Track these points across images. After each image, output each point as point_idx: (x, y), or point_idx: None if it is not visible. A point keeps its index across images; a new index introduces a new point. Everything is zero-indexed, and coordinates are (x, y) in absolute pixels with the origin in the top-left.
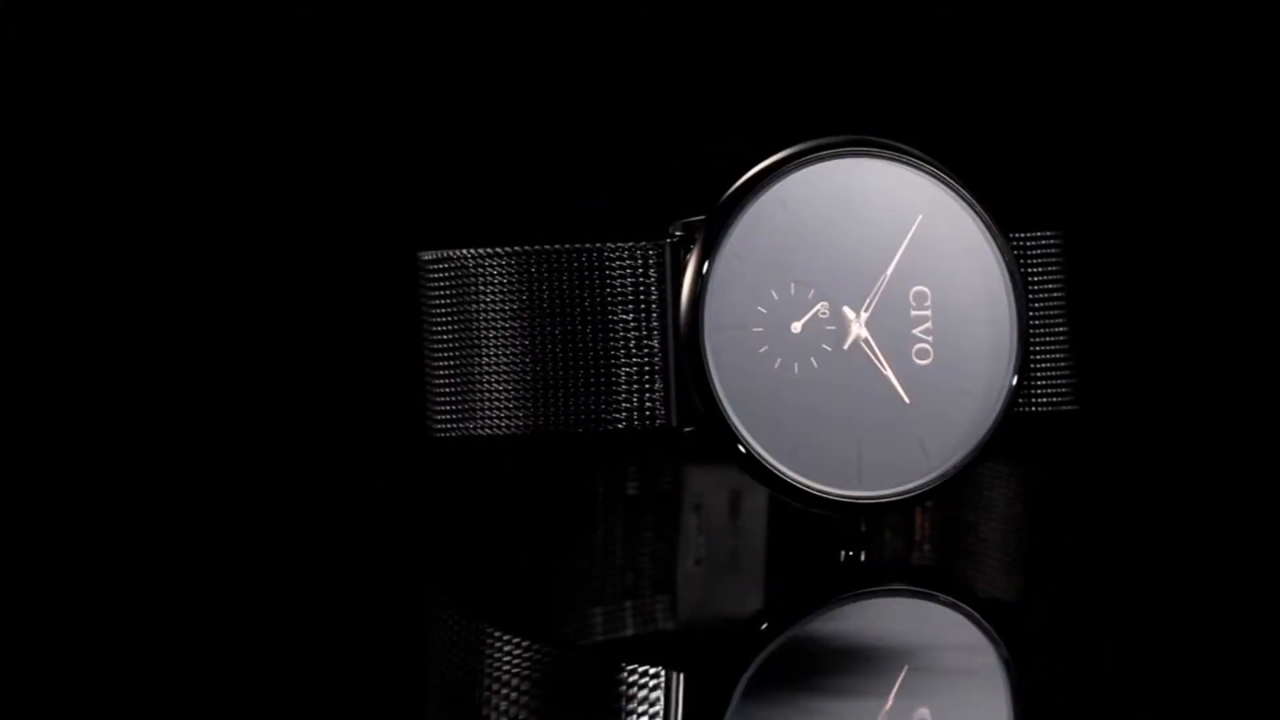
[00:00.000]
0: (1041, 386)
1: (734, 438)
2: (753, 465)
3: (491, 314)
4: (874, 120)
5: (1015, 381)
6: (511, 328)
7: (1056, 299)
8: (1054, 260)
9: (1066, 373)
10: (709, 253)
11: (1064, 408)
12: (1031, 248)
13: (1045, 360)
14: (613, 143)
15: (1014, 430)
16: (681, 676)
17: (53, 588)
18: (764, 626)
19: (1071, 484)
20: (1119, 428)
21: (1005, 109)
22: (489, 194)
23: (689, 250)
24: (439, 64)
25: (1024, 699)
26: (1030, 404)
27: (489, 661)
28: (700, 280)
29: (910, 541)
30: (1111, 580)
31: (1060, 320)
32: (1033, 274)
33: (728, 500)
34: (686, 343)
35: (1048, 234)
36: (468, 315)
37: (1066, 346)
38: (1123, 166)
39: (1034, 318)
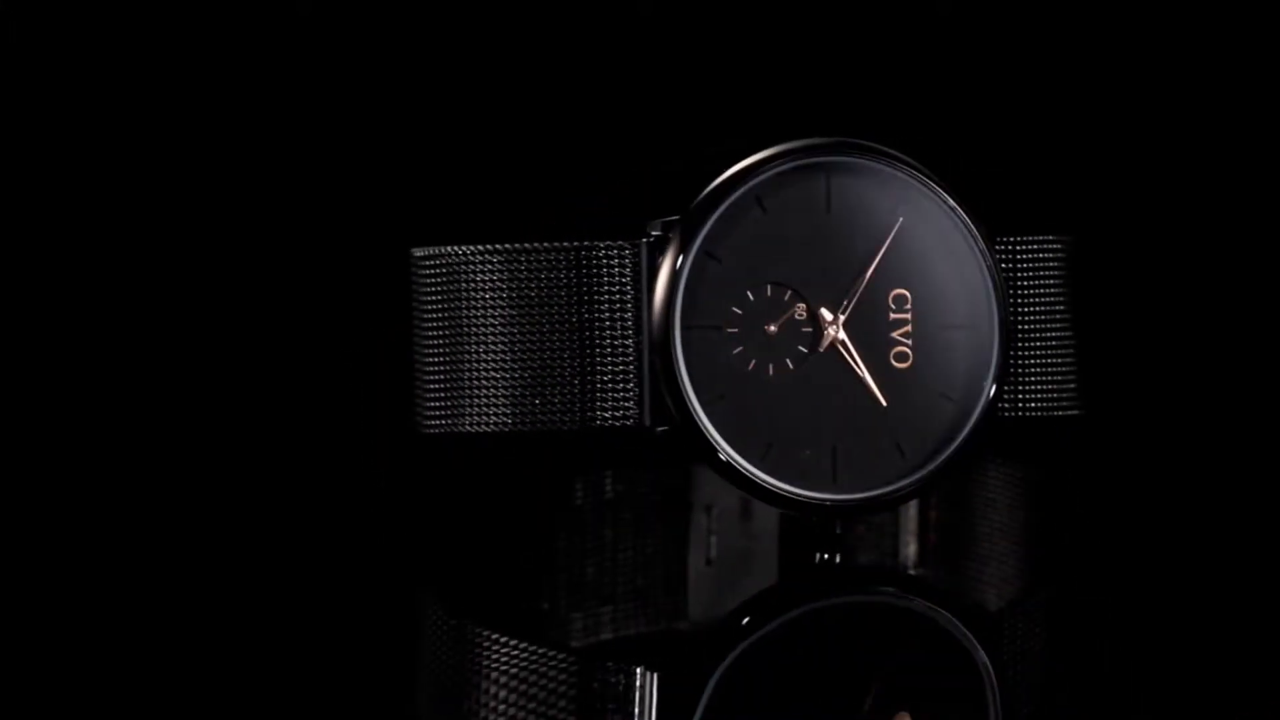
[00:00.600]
0: (1033, 391)
1: (705, 438)
2: (723, 466)
3: (479, 311)
4: (874, 121)
5: (995, 386)
6: (498, 325)
7: (1050, 303)
8: (1050, 264)
9: (1061, 378)
10: (682, 252)
11: (1057, 413)
12: (1022, 252)
13: (1037, 365)
14: (613, 143)
15: (1004, 434)
16: (655, 676)
17: (50, 586)
18: (745, 621)
19: (1071, 487)
20: (1122, 431)
21: (1008, 113)
22: (490, 193)
23: (664, 249)
24: (442, 64)
25: (1005, 703)
26: (1020, 409)
27: (474, 660)
28: (673, 279)
29: (925, 545)
30: (1101, 584)
31: (1055, 325)
32: (1023, 278)
33: (739, 501)
34: (658, 342)
35: (1042, 238)
36: (457, 312)
37: (1062, 351)
38: (1128, 171)
39: (1025, 322)
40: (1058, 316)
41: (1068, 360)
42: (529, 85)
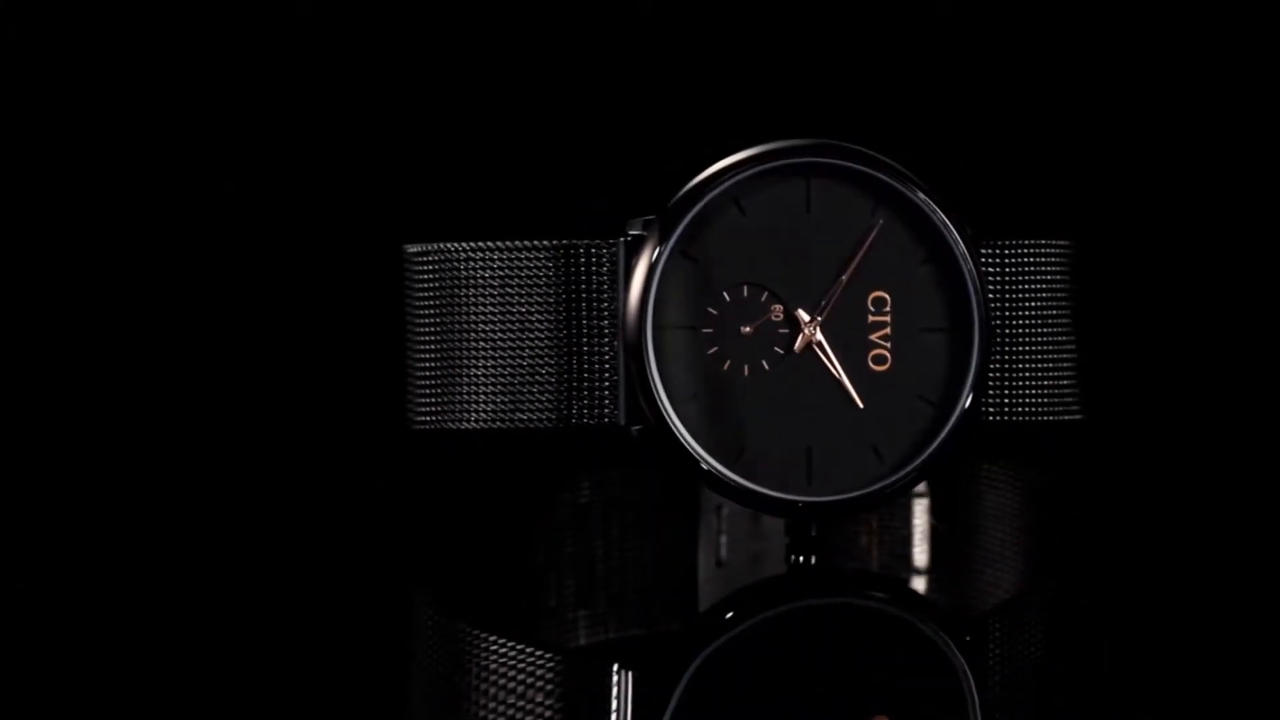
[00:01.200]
0: (1023, 395)
1: (676, 439)
2: (695, 467)
3: (467, 308)
4: (873, 121)
5: (974, 389)
6: (484, 322)
7: (1043, 307)
8: (1044, 268)
9: (1053, 382)
10: (657, 252)
11: (1049, 417)
12: (1013, 255)
13: (1027, 369)
14: (614, 142)
15: (992, 438)
16: (630, 674)
17: (46, 584)
18: (729, 616)
19: (1071, 491)
20: (1121, 435)
21: (1006, 115)
22: (491, 192)
23: (640, 249)
24: (444, 64)
25: (984, 708)
26: (1007, 413)
27: (457, 657)
28: (648, 279)
29: (932, 548)
30: (1092, 588)
31: (1049, 329)
32: (1015, 282)
33: None
34: (631, 342)
35: (1034, 242)
36: (447, 308)
37: (1055, 356)
38: (1127, 173)
39: (1016, 326)
40: (1051, 320)
41: (1062, 365)
42: (531, 84)
